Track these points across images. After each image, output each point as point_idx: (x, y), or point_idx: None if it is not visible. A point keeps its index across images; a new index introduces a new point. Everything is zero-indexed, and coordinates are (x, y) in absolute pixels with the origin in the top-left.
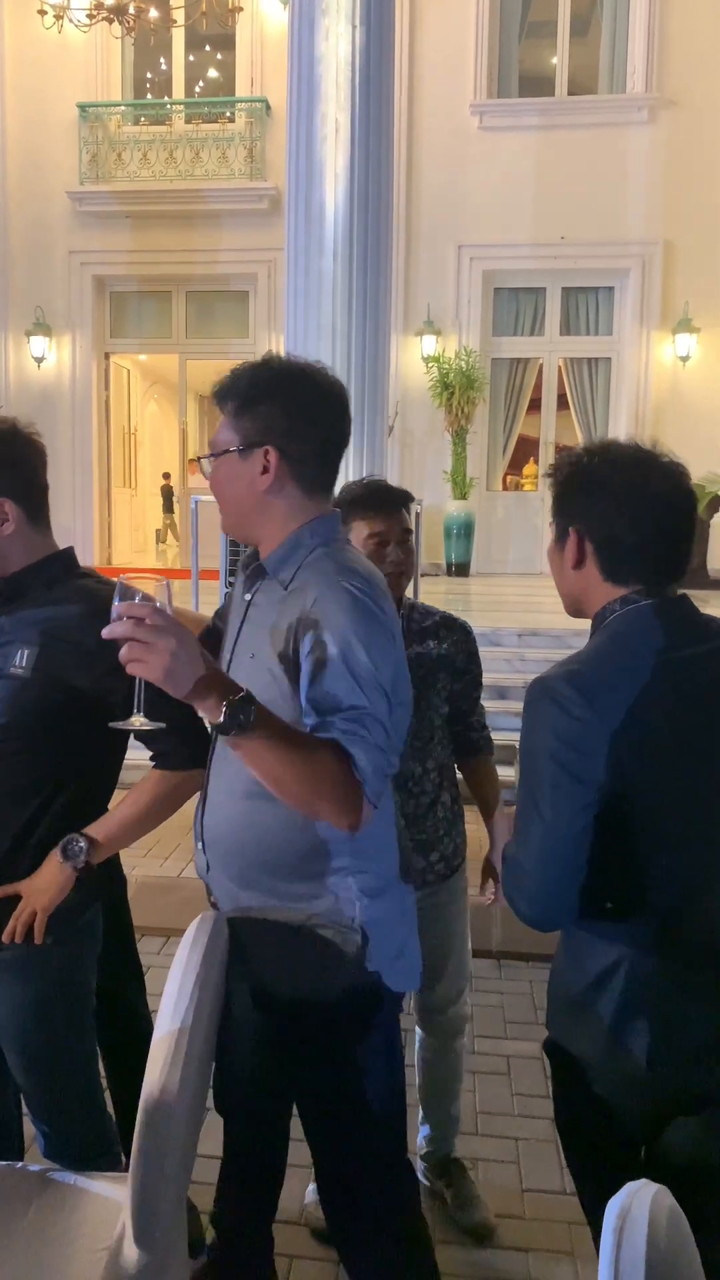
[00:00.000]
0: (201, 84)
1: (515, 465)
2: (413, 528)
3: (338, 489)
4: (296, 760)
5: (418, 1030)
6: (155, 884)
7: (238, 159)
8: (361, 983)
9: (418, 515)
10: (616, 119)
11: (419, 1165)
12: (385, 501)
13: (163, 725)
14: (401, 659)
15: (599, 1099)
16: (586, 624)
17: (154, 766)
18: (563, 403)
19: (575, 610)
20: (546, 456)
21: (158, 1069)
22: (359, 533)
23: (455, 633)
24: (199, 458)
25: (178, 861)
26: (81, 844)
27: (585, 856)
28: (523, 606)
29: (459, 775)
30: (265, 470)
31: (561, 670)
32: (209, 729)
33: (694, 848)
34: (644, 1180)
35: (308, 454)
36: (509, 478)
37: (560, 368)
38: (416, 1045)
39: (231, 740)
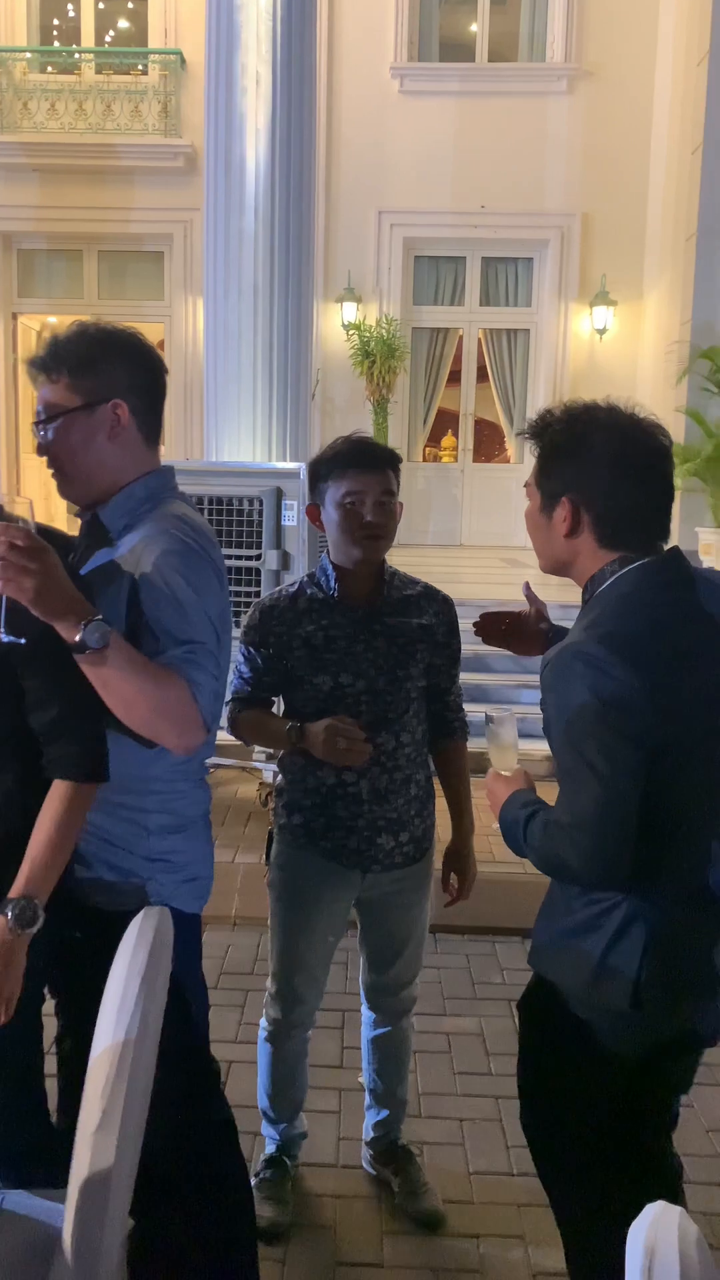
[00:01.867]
0: (112, 34)
1: (434, 438)
2: (395, 490)
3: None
4: (145, 682)
5: (365, 1011)
6: None
7: (151, 114)
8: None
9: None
10: (536, 88)
11: (364, 1152)
12: (364, 460)
13: (21, 640)
14: (227, 602)
15: (579, 1041)
16: (510, 593)
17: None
18: (482, 375)
19: (557, 571)
20: (466, 429)
21: (99, 1089)
22: (335, 492)
23: (436, 604)
24: (37, 424)
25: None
26: (33, 904)
27: (638, 813)
28: (446, 578)
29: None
30: (117, 423)
31: (590, 634)
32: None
33: (712, 793)
34: (662, 1204)
35: (147, 405)
36: (429, 450)
37: (480, 339)
38: (363, 1025)
39: (87, 659)
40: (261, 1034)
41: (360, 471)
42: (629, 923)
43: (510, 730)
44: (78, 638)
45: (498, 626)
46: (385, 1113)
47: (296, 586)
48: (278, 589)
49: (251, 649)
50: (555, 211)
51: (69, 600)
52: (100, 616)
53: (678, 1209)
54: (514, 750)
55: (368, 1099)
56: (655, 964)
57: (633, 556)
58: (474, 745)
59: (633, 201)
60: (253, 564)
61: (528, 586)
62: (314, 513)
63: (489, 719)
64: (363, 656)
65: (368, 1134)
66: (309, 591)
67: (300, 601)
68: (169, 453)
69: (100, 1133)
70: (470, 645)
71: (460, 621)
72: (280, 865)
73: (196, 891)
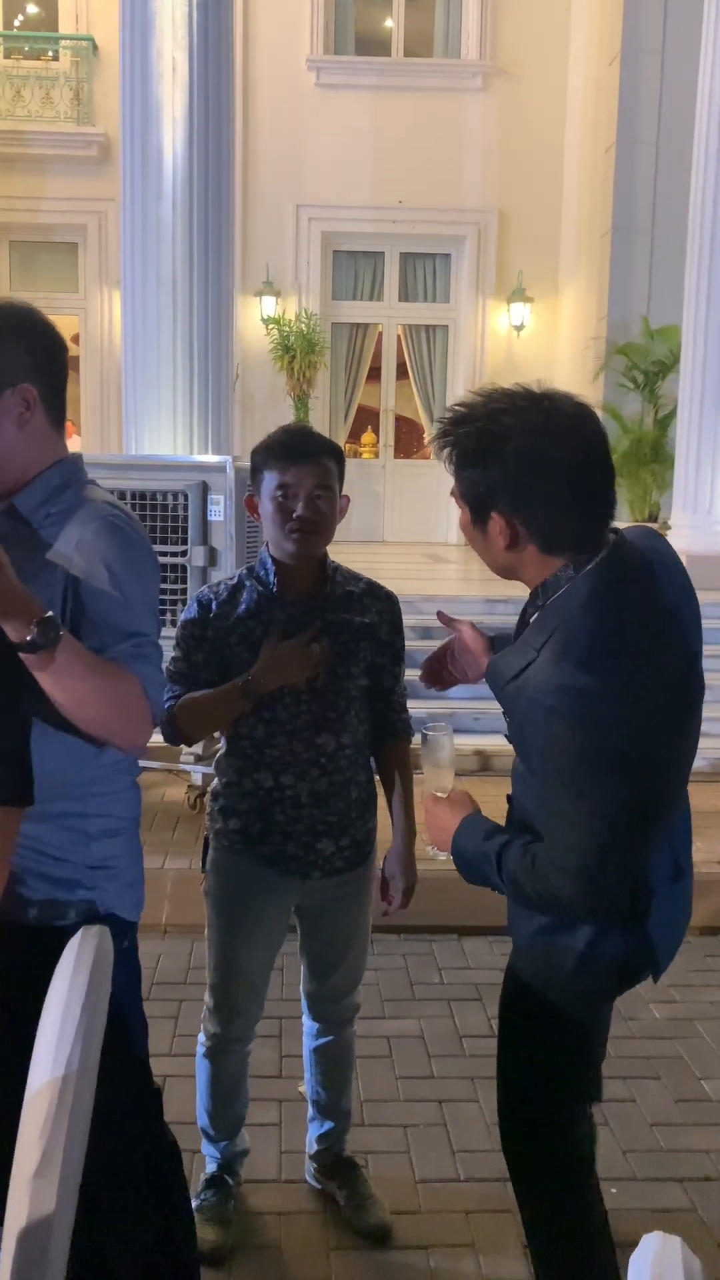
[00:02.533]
0: (21, 18)
1: (355, 434)
2: (334, 483)
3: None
4: (98, 679)
5: (306, 1021)
6: None
7: (63, 101)
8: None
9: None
10: (451, 84)
11: (308, 1167)
12: (297, 451)
13: None
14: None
15: (564, 1031)
16: (434, 589)
17: None
18: (402, 371)
19: (505, 576)
20: (387, 425)
21: (37, 1130)
22: (268, 483)
23: (380, 601)
24: None
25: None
26: None
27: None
28: (369, 574)
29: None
30: (26, 407)
31: (565, 664)
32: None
33: (680, 777)
34: (661, 1235)
35: (51, 388)
36: (349, 446)
37: (399, 335)
38: (305, 1035)
39: (39, 659)
40: (199, 1049)
41: (293, 463)
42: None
43: (448, 746)
44: (29, 637)
45: (441, 666)
46: (329, 1125)
47: (236, 580)
48: (217, 582)
49: (190, 643)
50: (472, 208)
51: (17, 598)
52: (50, 613)
53: (677, 1239)
54: (451, 769)
55: (310, 1111)
56: (635, 943)
57: (582, 557)
58: (418, 744)
59: (548, 198)
60: (179, 560)
61: (441, 615)
62: (252, 504)
63: (425, 734)
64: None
65: (311, 1147)
66: (248, 585)
67: (239, 595)
68: (85, 446)
69: (39, 1178)
70: (418, 642)
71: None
72: (216, 872)
73: (136, 897)
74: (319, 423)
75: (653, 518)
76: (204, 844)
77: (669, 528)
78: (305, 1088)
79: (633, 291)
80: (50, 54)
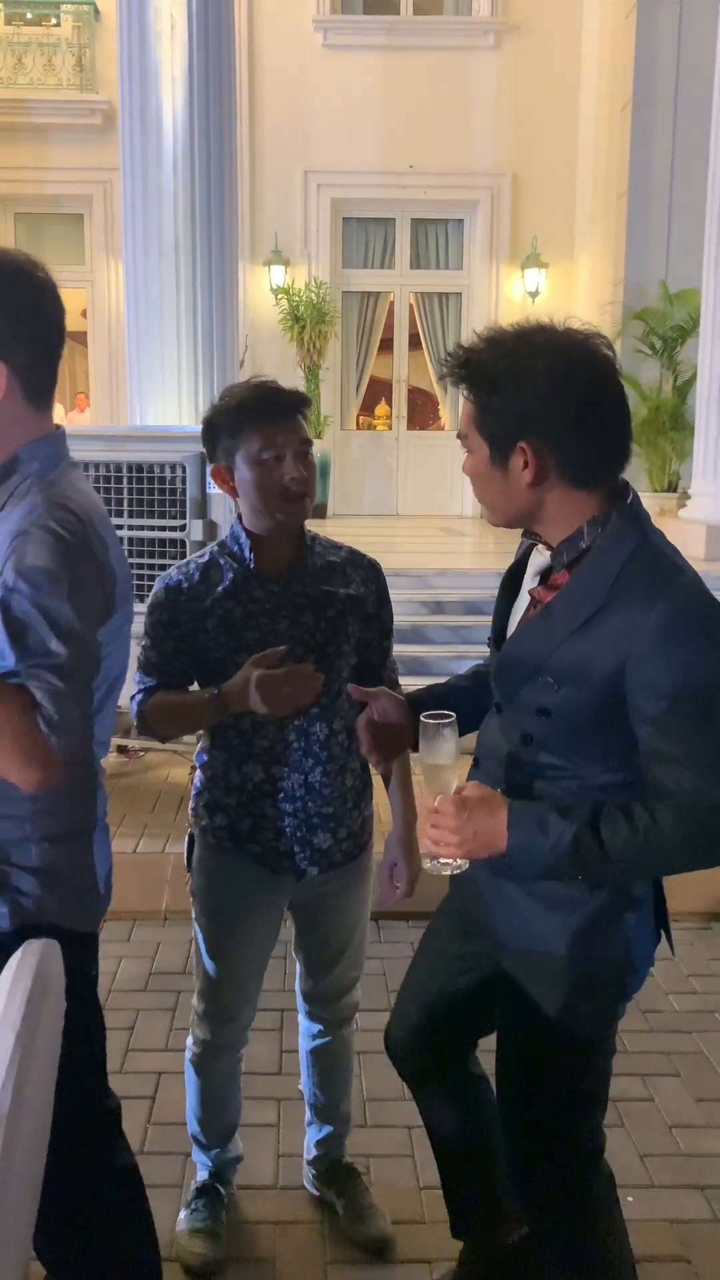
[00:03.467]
0: None
1: (368, 406)
2: (311, 437)
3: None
4: None
5: (302, 1020)
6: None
7: (65, 68)
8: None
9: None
10: (462, 43)
11: (306, 1173)
12: (280, 407)
13: None
14: (117, 601)
15: (601, 1026)
16: (447, 563)
17: None
18: (415, 342)
19: (516, 523)
20: (400, 396)
21: None
22: (249, 448)
23: (363, 570)
24: None
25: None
26: None
27: None
28: (383, 547)
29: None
30: None
31: (677, 588)
32: None
33: None
34: None
35: (33, 360)
36: (362, 418)
37: (411, 303)
38: (301, 1035)
39: None
40: (188, 1055)
41: (273, 423)
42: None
43: (452, 740)
44: None
45: (380, 738)
46: (328, 1129)
47: (207, 557)
48: (185, 561)
49: (159, 631)
50: (484, 171)
51: None
52: None
53: None
54: (457, 765)
55: (308, 1114)
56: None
57: (618, 497)
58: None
59: (562, 160)
60: (176, 534)
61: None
62: (223, 474)
63: (425, 726)
64: (287, 634)
65: (309, 1152)
66: (221, 563)
67: (212, 574)
68: (94, 420)
69: None
70: (407, 616)
71: (409, 593)
72: (203, 871)
73: (88, 907)
74: (330, 395)
75: (672, 487)
76: (188, 841)
77: (689, 497)
78: (303, 1091)
79: (650, 255)
80: (52, 19)
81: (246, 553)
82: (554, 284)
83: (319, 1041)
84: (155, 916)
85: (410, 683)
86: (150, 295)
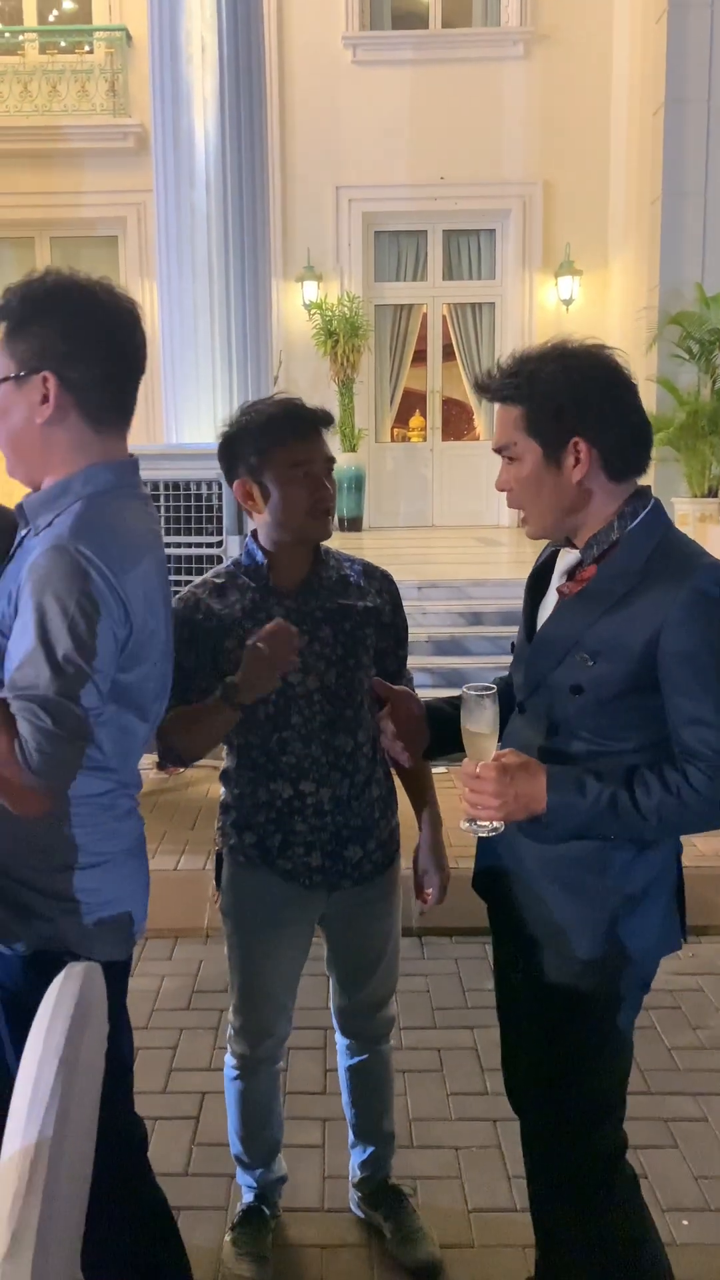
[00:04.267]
0: (55, 14)
1: (402, 418)
2: (344, 450)
3: (216, 411)
4: None
5: (338, 1038)
6: (154, 879)
7: (99, 93)
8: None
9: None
10: (491, 54)
11: (351, 1195)
12: (306, 424)
13: None
14: (139, 633)
15: (622, 1016)
16: (485, 573)
17: None
18: (448, 353)
19: (558, 529)
20: (434, 407)
21: (5, 1208)
22: (279, 466)
23: (378, 581)
24: None
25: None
26: None
27: None
28: (419, 559)
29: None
30: (45, 399)
31: (701, 565)
32: None
33: None
34: None
35: (92, 380)
36: (396, 430)
37: (444, 314)
38: (339, 1054)
39: None
40: (228, 1073)
41: (304, 439)
42: (664, 868)
43: (491, 709)
44: None
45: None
46: (371, 1149)
47: (223, 577)
48: (200, 580)
49: (179, 648)
50: (516, 180)
51: None
52: None
53: None
54: (495, 734)
55: (351, 1136)
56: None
57: (639, 490)
58: None
59: (594, 167)
60: (214, 551)
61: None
62: (249, 490)
63: (466, 697)
64: (309, 650)
65: (354, 1174)
66: (239, 581)
67: (230, 593)
68: (132, 439)
69: (9, 1261)
70: (446, 628)
71: (446, 604)
72: (235, 890)
73: (118, 936)
74: (364, 407)
75: (712, 492)
76: (217, 861)
77: None
78: (345, 1111)
79: (685, 258)
80: (85, 47)
81: (264, 570)
82: (588, 291)
83: (357, 1059)
84: (197, 934)
85: (448, 694)
86: (185, 314)
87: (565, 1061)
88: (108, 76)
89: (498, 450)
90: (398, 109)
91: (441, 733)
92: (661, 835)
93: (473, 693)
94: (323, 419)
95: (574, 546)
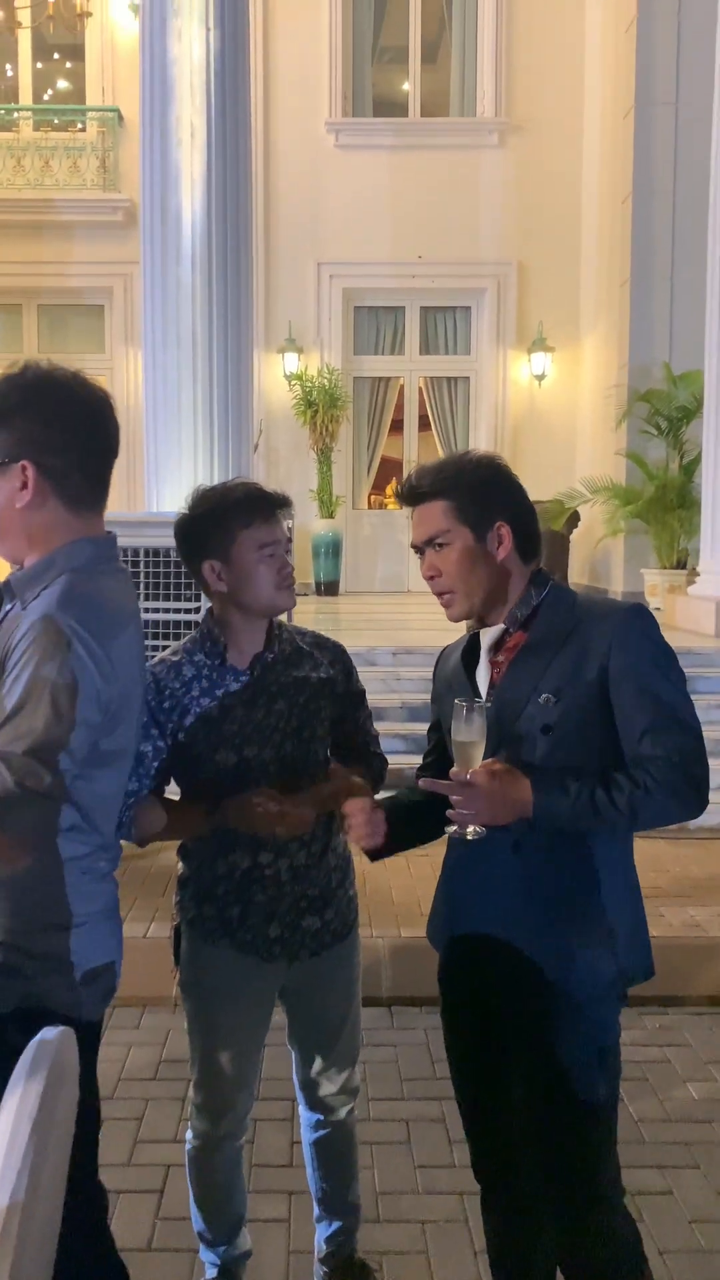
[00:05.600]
0: (50, 93)
1: (379, 485)
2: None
3: (181, 492)
4: None
5: (302, 1110)
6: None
7: (90, 169)
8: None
9: (290, 531)
10: (468, 141)
11: (317, 1270)
12: (269, 505)
13: None
14: (120, 700)
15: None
16: (457, 638)
17: None
18: (424, 423)
19: (484, 607)
20: None
21: None
22: (246, 546)
23: (330, 652)
24: None
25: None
26: None
27: None
28: (394, 625)
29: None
30: (24, 486)
31: (622, 603)
32: None
33: None
34: None
35: (68, 466)
36: (373, 497)
37: (421, 387)
38: (303, 1127)
39: None
40: (189, 1150)
41: (269, 519)
42: (630, 889)
43: (479, 722)
44: None
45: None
46: (337, 1224)
47: (179, 656)
48: (159, 659)
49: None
50: (491, 260)
51: None
52: None
53: None
54: (484, 744)
55: (316, 1209)
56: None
57: (540, 569)
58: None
59: (566, 249)
60: (192, 617)
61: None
62: (216, 570)
63: (457, 708)
64: (265, 723)
65: (319, 1249)
66: (195, 659)
67: (185, 671)
68: (112, 506)
69: None
70: (422, 694)
71: (422, 670)
72: (193, 965)
73: (94, 995)
74: (342, 475)
75: (680, 564)
76: (174, 936)
77: (698, 574)
78: (310, 1184)
79: (654, 338)
80: (78, 125)
81: (220, 647)
82: (560, 367)
83: (320, 1132)
84: (166, 1003)
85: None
86: (168, 384)
87: (581, 1146)
88: (99, 153)
89: (425, 543)
90: (378, 191)
91: (397, 829)
92: (634, 826)
93: (463, 703)
94: (281, 501)
95: (487, 625)
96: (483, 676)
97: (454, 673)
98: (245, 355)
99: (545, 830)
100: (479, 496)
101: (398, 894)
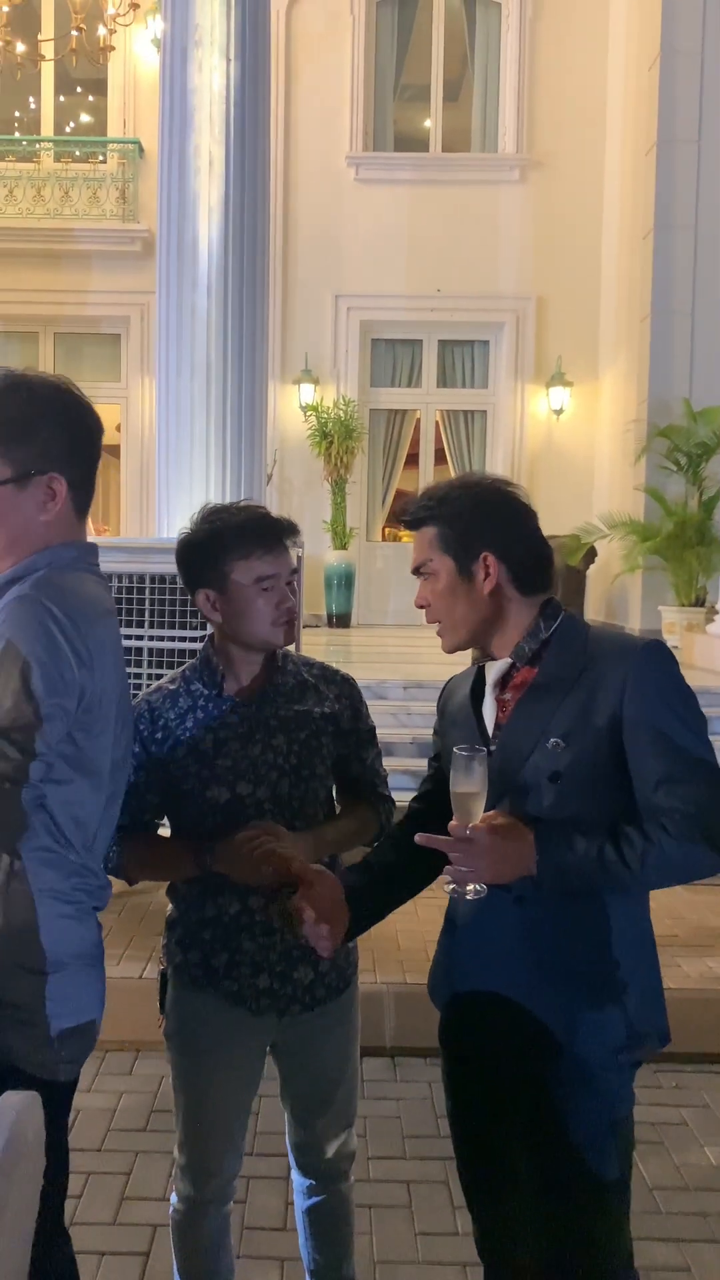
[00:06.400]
0: (72, 125)
1: (393, 518)
2: (297, 564)
3: (179, 515)
4: None
5: (295, 1176)
6: (118, 986)
7: (109, 200)
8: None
9: (299, 560)
10: (489, 177)
11: None
12: (272, 535)
13: None
14: (98, 697)
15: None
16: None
17: None
18: (440, 457)
19: (475, 640)
20: None
21: None
22: (243, 578)
23: (337, 686)
24: None
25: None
26: None
27: None
28: (406, 658)
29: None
30: (52, 499)
31: (636, 639)
32: None
33: None
34: None
35: (83, 476)
36: (387, 529)
37: (438, 420)
38: (295, 1193)
39: None
40: (173, 1215)
41: (271, 549)
42: (644, 945)
43: (480, 771)
44: None
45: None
46: None
47: (176, 684)
48: (152, 689)
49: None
50: (510, 295)
51: None
52: None
53: None
54: (484, 795)
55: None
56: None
57: (553, 602)
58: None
59: (586, 284)
60: (195, 645)
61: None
62: (212, 601)
63: (456, 756)
64: (261, 759)
65: None
66: (193, 689)
67: (181, 702)
68: (124, 533)
69: None
70: (414, 729)
71: (431, 704)
72: (178, 1014)
73: (70, 1055)
74: (356, 507)
75: (699, 602)
76: (161, 981)
77: (717, 612)
78: (302, 1255)
79: (673, 374)
80: (99, 157)
81: (218, 676)
82: (579, 402)
83: (314, 1199)
84: (160, 1049)
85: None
86: (181, 411)
87: (592, 1226)
88: (119, 184)
89: (416, 570)
90: (397, 224)
91: (359, 913)
92: (646, 885)
93: (463, 752)
94: (287, 530)
95: (494, 658)
96: (489, 713)
97: (460, 708)
98: (260, 384)
99: (550, 886)
100: (462, 525)
101: (404, 938)
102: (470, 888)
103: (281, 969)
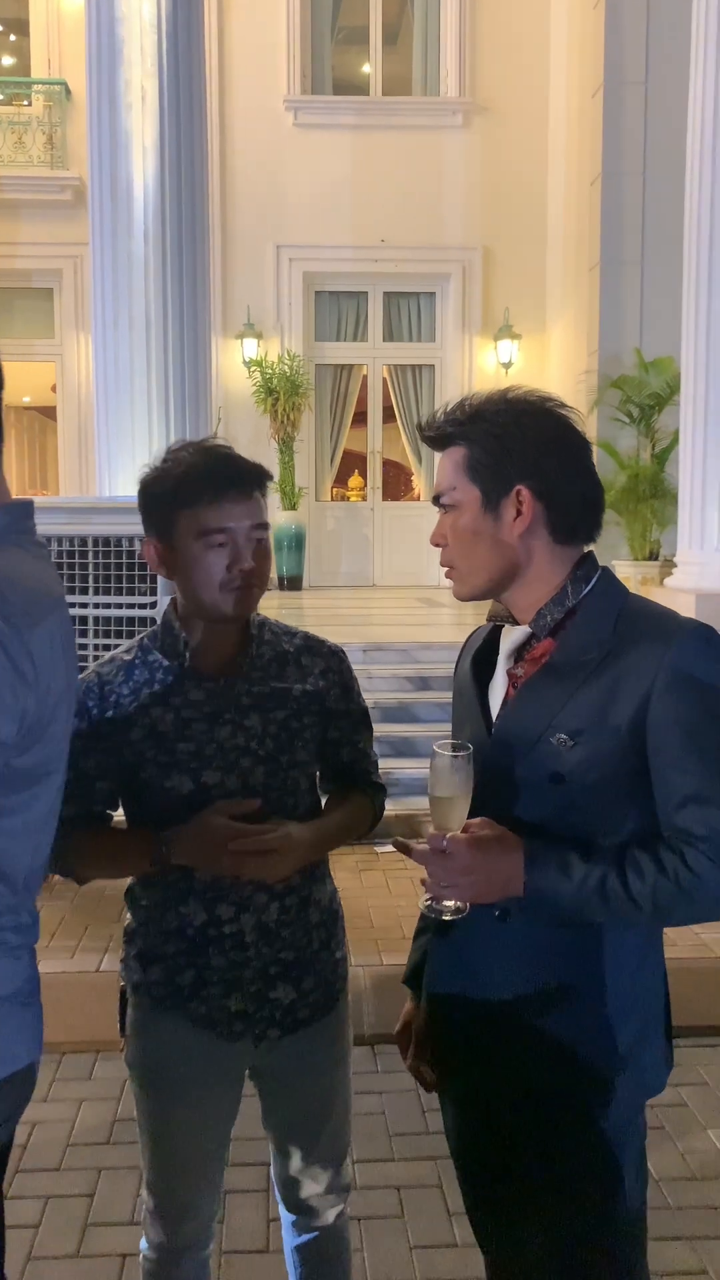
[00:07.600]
0: None
1: (341, 478)
2: (267, 518)
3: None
4: None
5: (281, 1210)
6: (74, 981)
7: (36, 145)
8: None
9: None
10: (431, 122)
11: None
12: (226, 480)
13: None
14: (40, 711)
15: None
16: (431, 636)
17: None
18: (389, 414)
19: (493, 590)
20: (374, 466)
21: None
22: (193, 525)
23: (323, 659)
24: None
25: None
26: None
27: None
28: (361, 620)
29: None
30: None
31: (699, 624)
32: None
33: None
34: None
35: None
36: (336, 490)
37: (385, 376)
38: (284, 1229)
39: None
40: (143, 1264)
41: (224, 497)
42: (650, 970)
43: (465, 771)
44: None
45: None
46: None
47: (132, 654)
48: (106, 658)
49: (75, 745)
50: (456, 245)
51: None
52: None
53: None
54: (468, 800)
55: None
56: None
57: (584, 562)
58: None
59: (533, 234)
60: (147, 613)
61: None
62: (156, 552)
63: (437, 755)
64: (230, 743)
65: None
66: (150, 660)
67: (137, 674)
68: (64, 494)
69: None
70: (393, 693)
71: (394, 668)
72: (139, 1037)
73: (4, 1107)
74: (305, 466)
75: (653, 556)
76: (120, 999)
77: (674, 565)
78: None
79: (624, 324)
80: (24, 100)
81: (181, 646)
82: (527, 355)
83: (303, 1237)
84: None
85: (396, 765)
86: (120, 366)
87: (605, 1265)
88: (45, 129)
89: (436, 499)
90: (339, 172)
91: None
92: (655, 923)
93: (445, 751)
94: (250, 476)
95: (515, 622)
96: (498, 690)
97: (464, 677)
98: (203, 337)
99: (539, 914)
100: (496, 447)
101: (377, 916)
102: (449, 904)
103: (257, 988)
